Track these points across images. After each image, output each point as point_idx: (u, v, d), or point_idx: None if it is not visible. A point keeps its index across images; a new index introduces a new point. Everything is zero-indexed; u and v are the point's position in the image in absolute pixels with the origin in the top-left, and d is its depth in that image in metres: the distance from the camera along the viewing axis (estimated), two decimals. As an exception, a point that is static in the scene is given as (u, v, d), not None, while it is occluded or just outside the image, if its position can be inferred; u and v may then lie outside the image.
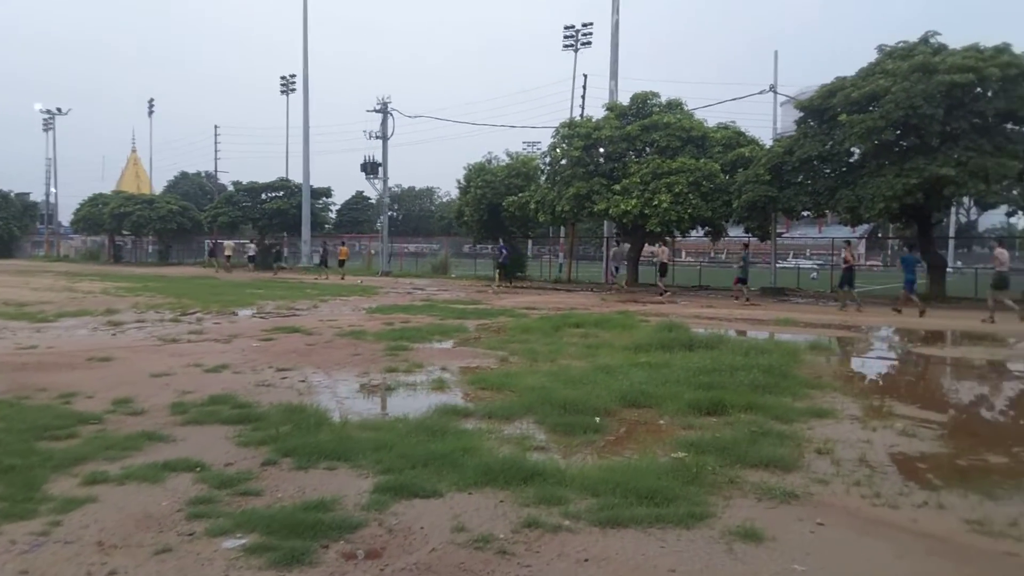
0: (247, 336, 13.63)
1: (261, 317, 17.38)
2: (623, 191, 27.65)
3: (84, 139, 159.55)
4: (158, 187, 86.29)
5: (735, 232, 34.12)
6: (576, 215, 30.57)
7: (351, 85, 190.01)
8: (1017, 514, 4.87)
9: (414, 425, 6.93)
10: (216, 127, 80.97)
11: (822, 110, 25.06)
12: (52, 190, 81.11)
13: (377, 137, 39.64)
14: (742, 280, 24.01)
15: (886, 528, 4.70)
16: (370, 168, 40.21)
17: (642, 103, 30.94)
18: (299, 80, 48.90)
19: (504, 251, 31.69)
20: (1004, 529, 4.62)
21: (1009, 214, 28.46)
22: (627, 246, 29.72)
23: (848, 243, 22.99)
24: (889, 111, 22.06)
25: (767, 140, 30.80)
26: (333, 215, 64.08)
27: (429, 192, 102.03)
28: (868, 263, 59.12)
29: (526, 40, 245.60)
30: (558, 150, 30.94)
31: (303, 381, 9.43)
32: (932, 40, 24.26)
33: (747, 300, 23.41)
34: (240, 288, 27.51)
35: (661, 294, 25.93)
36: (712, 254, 60.88)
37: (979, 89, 22.24)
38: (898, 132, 23.01)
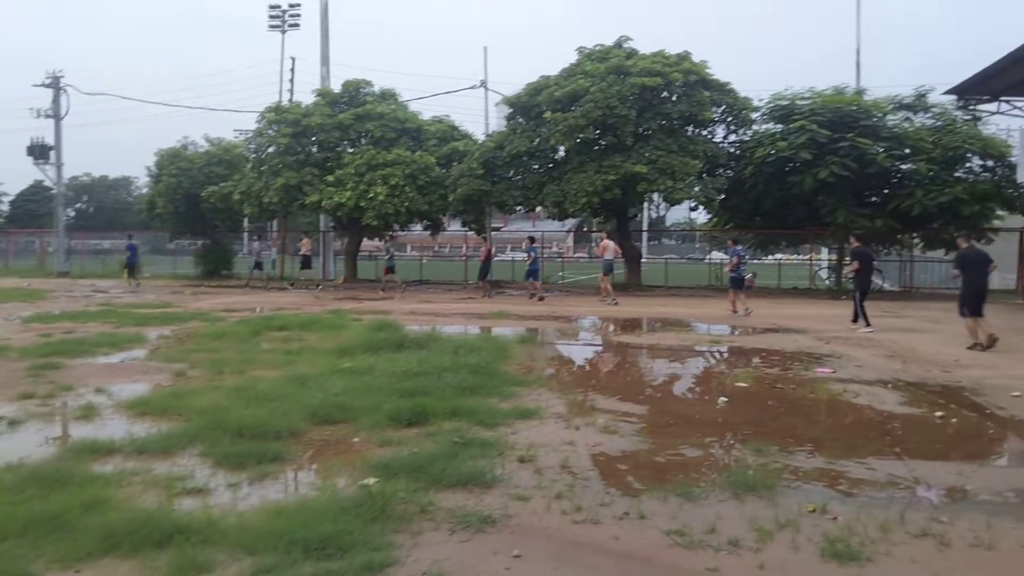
0: None
1: None
2: (337, 182, 26.29)
3: None
4: None
5: (455, 226, 34.35)
6: (287, 207, 28.61)
7: (31, 55, 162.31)
8: (714, 517, 4.66)
9: (27, 474, 5.32)
10: None
11: (529, 107, 25.77)
12: None
13: (48, 116, 33.84)
14: (390, 270, 25.00)
15: (587, 552, 4.21)
16: (39, 152, 34.10)
17: (355, 91, 29.73)
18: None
19: (132, 248, 28.63)
20: (703, 538, 4.34)
21: (692, 209, 31.65)
22: (258, 243, 29.51)
23: (484, 238, 25.10)
24: (589, 111, 23.23)
25: (481, 135, 31.20)
26: (5, 207, 54.47)
27: (126, 182, 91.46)
28: (576, 255, 64.29)
29: (237, 18, 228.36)
30: (264, 137, 28.68)
31: None
32: (625, 44, 26.02)
33: (382, 291, 24.76)
34: None
35: (293, 285, 27.14)
36: (436, 248, 61.72)
37: (666, 93, 24.24)
38: (597, 131, 24.37)
